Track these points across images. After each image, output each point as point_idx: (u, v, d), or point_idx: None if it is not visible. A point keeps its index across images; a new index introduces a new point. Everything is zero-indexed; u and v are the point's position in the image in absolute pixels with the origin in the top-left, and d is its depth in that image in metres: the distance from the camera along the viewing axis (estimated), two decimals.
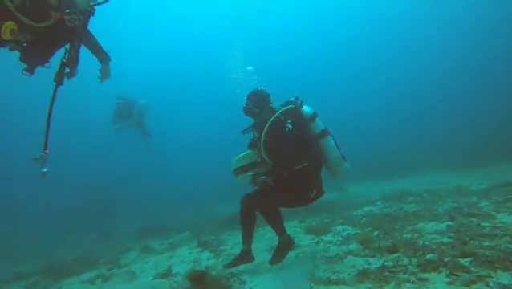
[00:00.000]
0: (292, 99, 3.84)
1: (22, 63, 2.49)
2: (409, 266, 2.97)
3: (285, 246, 3.71)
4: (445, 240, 3.51)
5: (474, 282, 2.45)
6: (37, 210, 12.55)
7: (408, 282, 2.69)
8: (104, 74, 3.16)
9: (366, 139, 16.91)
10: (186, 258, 5.19)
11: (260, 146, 3.55)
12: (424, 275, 2.74)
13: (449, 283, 2.52)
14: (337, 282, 2.97)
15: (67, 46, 2.56)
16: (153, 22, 24.20)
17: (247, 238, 3.74)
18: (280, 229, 3.68)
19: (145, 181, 16.40)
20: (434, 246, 3.33)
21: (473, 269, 2.67)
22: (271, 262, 3.62)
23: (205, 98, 22.44)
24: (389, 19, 22.50)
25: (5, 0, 2.02)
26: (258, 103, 3.72)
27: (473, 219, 4.12)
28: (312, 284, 3.01)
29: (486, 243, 3.17)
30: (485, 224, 3.81)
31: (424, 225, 4.31)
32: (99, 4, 2.64)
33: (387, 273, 2.93)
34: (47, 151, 2.59)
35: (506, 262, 2.66)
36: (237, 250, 4.42)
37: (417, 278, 2.71)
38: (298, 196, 3.68)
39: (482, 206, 4.74)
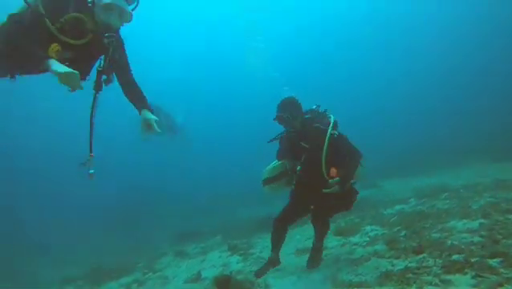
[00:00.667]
0: (314, 107, 3.82)
1: None
2: (434, 268, 2.88)
3: (321, 251, 3.80)
4: (476, 239, 3.36)
5: (501, 285, 2.34)
6: (81, 217, 13.33)
7: (431, 284, 2.62)
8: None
9: (402, 134, 16.40)
10: (216, 262, 5.35)
11: (321, 161, 3.41)
12: (448, 277, 2.65)
13: (474, 286, 2.42)
14: (359, 285, 2.95)
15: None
16: (175, 28, 24.90)
17: (277, 246, 3.80)
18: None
19: (177, 186, 16.95)
20: (463, 246, 3.20)
21: (502, 270, 2.55)
22: (309, 266, 3.70)
23: (226, 100, 22.81)
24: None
25: (50, 26, 2.26)
26: (291, 111, 3.57)
27: (510, 216, 3.89)
28: (333, 287, 3.01)
29: None
30: None
31: (455, 223, 4.14)
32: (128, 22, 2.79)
33: (410, 275, 2.87)
34: (92, 154, 2.78)
35: None
36: (266, 254, 4.49)
37: (440, 280, 2.63)
38: (351, 202, 3.72)
39: None
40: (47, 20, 2.25)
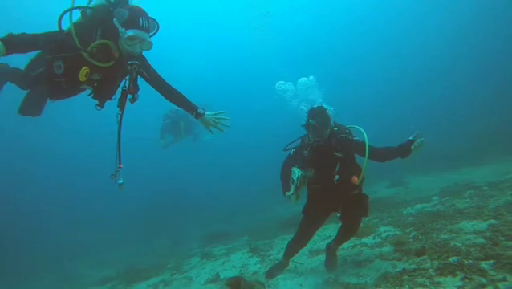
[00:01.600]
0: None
1: (95, 100, 2.98)
2: (429, 270, 3.00)
3: (336, 253, 3.94)
4: (479, 241, 3.40)
5: (484, 287, 2.44)
6: (119, 221, 14.23)
7: (423, 285, 2.76)
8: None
9: (430, 129, 15.86)
10: (237, 263, 5.67)
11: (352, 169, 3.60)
12: (440, 279, 2.77)
13: (459, 287, 2.54)
14: (356, 286, 3.13)
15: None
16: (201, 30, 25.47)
17: (290, 257, 4.11)
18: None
19: (211, 187, 17.51)
20: (463, 248, 3.27)
21: (491, 272, 2.63)
22: (328, 270, 3.81)
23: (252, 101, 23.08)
24: None
25: (83, 53, 2.57)
26: (324, 121, 3.64)
27: None
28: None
29: None
30: None
31: (465, 224, 4.14)
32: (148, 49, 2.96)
33: (405, 276, 3.01)
34: (121, 166, 3.02)
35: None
36: (282, 255, 4.75)
37: (432, 282, 2.76)
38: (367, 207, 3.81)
39: None
40: (80, 46, 2.56)
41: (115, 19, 2.59)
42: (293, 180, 3.63)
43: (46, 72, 2.73)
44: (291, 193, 3.59)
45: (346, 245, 4.76)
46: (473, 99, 17.63)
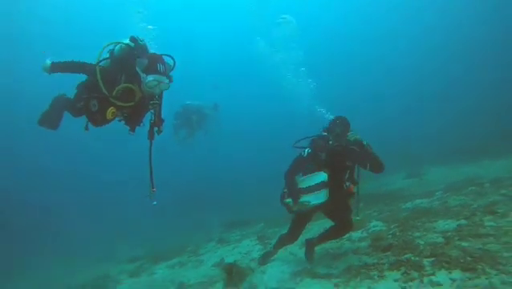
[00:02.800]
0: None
1: (127, 126, 3.54)
2: (385, 265, 3.50)
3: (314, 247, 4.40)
4: (439, 240, 3.82)
5: (412, 280, 2.94)
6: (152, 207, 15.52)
7: (372, 278, 3.28)
8: None
9: (457, 119, 15.51)
10: (243, 249, 6.40)
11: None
12: (387, 273, 3.27)
13: (395, 280, 3.05)
14: (323, 276, 3.70)
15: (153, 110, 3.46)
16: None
17: (280, 247, 4.77)
18: None
19: (238, 174, 18.39)
20: (422, 246, 3.71)
21: (427, 268, 3.10)
22: (308, 261, 4.27)
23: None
24: None
25: (108, 97, 3.10)
26: (344, 129, 4.09)
27: (488, 218, 4.17)
28: (305, 277, 3.81)
29: (466, 244, 3.43)
30: (491, 223, 3.91)
31: (441, 222, 4.51)
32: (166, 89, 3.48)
33: (363, 270, 3.53)
34: (154, 189, 3.49)
35: (462, 262, 3.01)
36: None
37: (380, 275, 3.27)
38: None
39: None
40: (106, 91, 3.10)
41: (137, 67, 3.12)
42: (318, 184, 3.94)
43: (85, 108, 3.33)
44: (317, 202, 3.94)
45: None
46: (497, 89, 16.82)
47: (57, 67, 3.24)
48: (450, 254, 3.26)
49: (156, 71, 3.12)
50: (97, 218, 14.39)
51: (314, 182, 3.97)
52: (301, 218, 4.42)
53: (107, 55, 3.32)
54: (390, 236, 4.57)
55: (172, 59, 3.38)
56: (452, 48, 21.60)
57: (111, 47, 3.34)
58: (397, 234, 4.57)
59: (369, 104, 21.99)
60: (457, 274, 2.85)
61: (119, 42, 3.30)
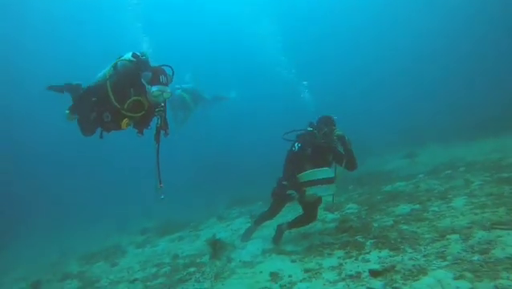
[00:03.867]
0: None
1: (135, 129, 3.81)
2: (337, 244, 4.13)
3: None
4: (389, 223, 4.41)
5: (350, 257, 3.57)
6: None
7: (322, 255, 3.92)
8: None
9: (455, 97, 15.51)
10: (235, 226, 7.12)
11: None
12: (336, 252, 3.90)
13: (338, 257, 3.68)
14: (287, 253, 4.35)
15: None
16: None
17: (260, 224, 5.44)
18: None
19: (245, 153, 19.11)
20: (374, 229, 4.31)
21: (366, 248, 3.71)
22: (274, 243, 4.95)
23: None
24: None
25: (120, 108, 3.45)
26: (332, 128, 4.51)
27: (439, 202, 4.71)
28: (273, 253, 4.49)
29: (406, 227, 4.02)
30: (435, 208, 4.45)
31: (401, 206, 5.08)
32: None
33: (320, 248, 4.14)
34: (162, 185, 3.74)
35: (393, 243, 3.60)
36: (269, 224, 5.97)
37: (329, 254, 3.91)
38: None
39: (475, 185, 5.08)
40: (118, 105, 3.46)
41: (142, 79, 3.51)
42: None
43: (99, 119, 3.62)
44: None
45: None
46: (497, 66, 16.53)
47: (74, 109, 3.83)
48: (389, 236, 3.86)
49: (159, 82, 3.49)
50: (119, 195, 15.51)
51: (323, 176, 4.42)
52: (281, 201, 4.97)
53: (113, 71, 3.64)
54: (355, 218, 5.17)
55: (171, 69, 3.74)
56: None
57: (116, 64, 3.64)
58: (362, 217, 5.16)
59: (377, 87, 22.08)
60: (384, 252, 3.46)
61: (123, 59, 3.65)
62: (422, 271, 2.81)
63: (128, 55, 3.65)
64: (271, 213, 5.19)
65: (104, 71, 3.68)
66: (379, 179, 8.73)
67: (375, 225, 4.50)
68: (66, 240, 9.77)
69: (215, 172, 17.46)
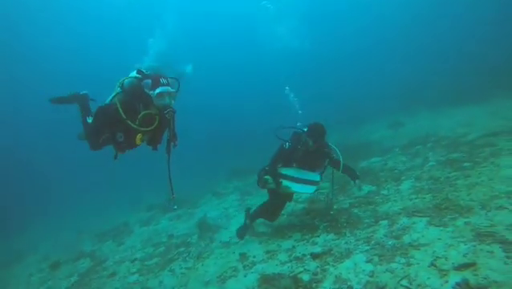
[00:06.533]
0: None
1: (150, 146, 3.76)
2: (296, 227, 4.88)
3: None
4: (345, 206, 5.12)
5: (303, 240, 4.32)
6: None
7: (283, 237, 4.67)
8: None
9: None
10: (225, 205, 7.95)
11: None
12: (293, 234, 4.64)
13: (295, 240, 4.42)
14: (259, 235, 5.14)
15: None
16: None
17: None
18: None
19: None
20: (332, 212, 5.01)
21: (319, 231, 4.44)
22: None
23: None
24: None
25: (133, 125, 3.33)
26: (323, 135, 4.62)
27: (392, 184, 5.37)
28: (248, 235, 5.27)
29: (356, 210, 4.74)
30: (385, 192, 5.13)
31: (364, 188, 5.71)
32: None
33: (285, 230, 4.91)
34: (174, 195, 3.83)
35: (339, 226, 4.33)
36: (254, 202, 6.71)
37: (289, 236, 4.65)
38: None
39: (428, 167, 5.68)
40: (130, 123, 3.34)
41: (145, 89, 3.46)
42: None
43: (111, 140, 3.60)
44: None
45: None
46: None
47: (86, 127, 3.93)
48: (339, 219, 4.58)
49: (160, 84, 3.52)
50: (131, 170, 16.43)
51: (307, 178, 4.64)
52: (282, 200, 4.99)
53: (120, 90, 3.69)
54: (323, 199, 5.88)
55: (177, 80, 3.75)
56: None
57: (123, 83, 3.69)
58: (330, 197, 5.80)
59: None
60: (330, 236, 4.20)
61: (128, 78, 3.71)
62: (348, 255, 3.54)
63: (133, 73, 3.68)
64: (273, 215, 5.04)
65: (113, 93, 3.69)
66: (361, 152, 9.26)
67: (335, 207, 5.22)
68: (82, 219, 10.73)
69: (217, 141, 18.21)
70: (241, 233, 5.26)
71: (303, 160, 4.70)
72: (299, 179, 4.63)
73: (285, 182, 4.58)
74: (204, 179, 12.47)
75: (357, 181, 4.63)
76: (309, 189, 4.60)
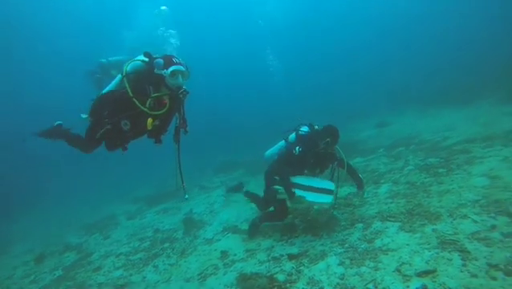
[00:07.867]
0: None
1: (153, 139, 3.51)
2: (277, 226, 5.03)
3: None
4: (326, 206, 5.28)
5: (282, 240, 4.50)
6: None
7: (263, 236, 4.85)
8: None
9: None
10: (211, 200, 8.07)
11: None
12: (274, 234, 4.82)
13: (274, 239, 4.61)
14: (240, 233, 5.30)
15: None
16: None
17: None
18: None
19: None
20: (311, 213, 5.21)
21: (298, 232, 4.63)
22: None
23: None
24: None
25: (144, 108, 3.08)
26: (336, 139, 4.54)
27: (372, 187, 5.56)
28: (230, 232, 5.44)
29: (335, 213, 4.91)
30: (364, 194, 5.32)
31: (343, 190, 5.91)
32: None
33: (266, 229, 5.07)
34: (184, 184, 3.66)
35: (317, 228, 4.51)
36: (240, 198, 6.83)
37: (269, 235, 4.83)
38: None
39: (407, 170, 5.89)
40: (141, 106, 3.10)
41: (156, 69, 3.26)
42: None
43: (114, 130, 3.32)
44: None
45: None
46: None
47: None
48: (319, 220, 4.77)
49: (173, 63, 3.37)
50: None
51: (320, 186, 4.45)
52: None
53: (121, 76, 3.41)
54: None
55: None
56: None
57: (130, 64, 3.48)
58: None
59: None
60: (308, 237, 4.38)
61: (136, 60, 3.52)
62: (322, 257, 3.73)
63: (140, 56, 3.51)
64: (282, 215, 4.89)
65: (115, 80, 3.49)
66: (346, 152, 9.44)
67: (316, 207, 5.39)
68: (71, 211, 10.74)
69: (205, 133, 18.29)
70: (252, 232, 5.04)
71: (315, 165, 4.61)
72: (313, 188, 4.40)
73: (298, 192, 4.35)
74: (192, 172, 12.58)
75: (361, 192, 4.76)
76: (325, 199, 4.32)
